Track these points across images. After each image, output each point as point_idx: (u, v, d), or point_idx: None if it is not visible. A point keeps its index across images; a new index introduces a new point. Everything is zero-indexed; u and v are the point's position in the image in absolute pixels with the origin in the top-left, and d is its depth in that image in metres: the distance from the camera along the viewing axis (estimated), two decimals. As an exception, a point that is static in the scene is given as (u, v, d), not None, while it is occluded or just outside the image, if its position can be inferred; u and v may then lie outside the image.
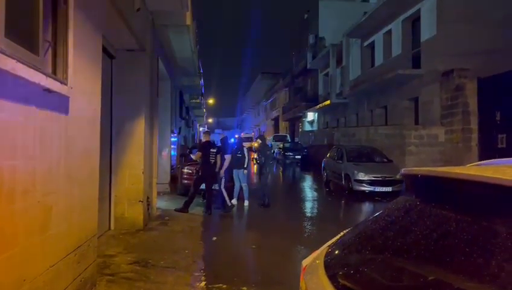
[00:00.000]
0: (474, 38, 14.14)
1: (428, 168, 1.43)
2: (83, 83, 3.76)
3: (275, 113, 51.97)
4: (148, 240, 6.83)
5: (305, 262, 1.55)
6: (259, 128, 65.53)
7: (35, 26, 2.75)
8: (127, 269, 5.12)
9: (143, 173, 7.48)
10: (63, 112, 3.26)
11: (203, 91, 32.78)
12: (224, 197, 9.82)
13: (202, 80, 32.62)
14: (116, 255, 5.77)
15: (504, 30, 13.95)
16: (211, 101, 50.78)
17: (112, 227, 7.40)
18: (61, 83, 3.13)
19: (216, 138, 55.62)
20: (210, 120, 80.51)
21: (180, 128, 17.13)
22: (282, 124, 47.14)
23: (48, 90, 2.90)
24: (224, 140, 10.81)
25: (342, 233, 1.70)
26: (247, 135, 51.08)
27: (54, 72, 3.19)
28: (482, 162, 1.81)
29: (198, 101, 29.05)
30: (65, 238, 3.37)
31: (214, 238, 7.28)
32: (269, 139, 39.48)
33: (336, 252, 1.48)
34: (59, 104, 3.17)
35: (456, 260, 1.08)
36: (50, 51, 3.18)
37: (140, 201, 7.49)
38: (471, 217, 1.11)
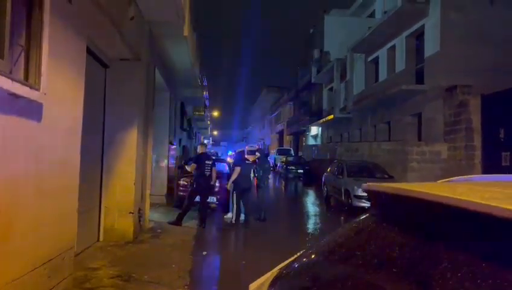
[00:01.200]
0: (477, 55, 14.02)
1: (391, 184, 1.28)
2: (60, 89, 3.65)
3: (279, 127, 51.92)
4: (136, 253, 6.65)
5: (252, 287, 1.40)
6: (264, 142, 65.46)
7: (0, 29, 2.65)
8: (108, 283, 4.95)
9: (134, 184, 7.35)
10: (34, 119, 3.14)
11: (207, 103, 32.82)
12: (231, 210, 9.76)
13: (207, 93, 32.75)
14: (100, 268, 5.60)
15: (508, 48, 13.81)
16: (215, 113, 50.93)
17: (101, 239, 7.24)
18: (32, 88, 3.02)
19: (222, 150, 55.08)
20: (215, 132, 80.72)
21: (180, 140, 17.03)
22: (287, 138, 47.03)
23: (15, 96, 2.78)
24: (240, 154, 10.62)
25: (297, 254, 1.54)
26: (252, 148, 50.90)
27: (26, 77, 3.08)
28: (457, 178, 1.65)
29: (202, 113, 29.04)
30: (32, 251, 3.22)
31: (205, 252, 7.09)
32: (273, 152, 39.37)
33: (284, 276, 1.33)
34: (29, 110, 3.05)
35: (399, 287, 0.92)
36: (23, 56, 3.08)
37: (131, 213, 7.34)
38: (417, 239, 0.96)
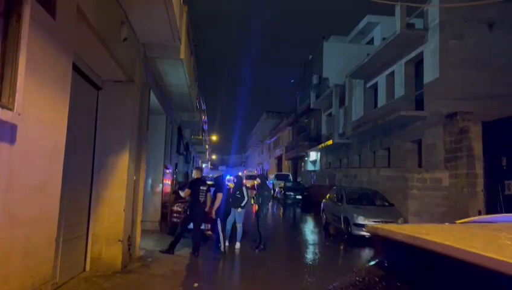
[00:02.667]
0: (478, 82, 13.96)
1: (402, 228, 1.02)
2: (40, 110, 3.41)
3: (278, 152, 51.68)
4: (122, 284, 6.28)
5: None
6: (262, 166, 65.09)
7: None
8: (89, 319, 4.58)
9: (124, 210, 7.03)
10: (6, 141, 2.88)
11: (205, 127, 32.70)
12: (219, 240, 9.32)
13: (205, 117, 32.68)
14: (82, 301, 5.24)
15: (508, 74, 13.75)
16: (214, 137, 50.80)
17: (88, 268, 6.87)
18: (4, 108, 2.78)
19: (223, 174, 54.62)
20: (214, 157, 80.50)
21: (176, 164, 16.74)
22: (285, 163, 46.71)
23: (-17, 116, 2.54)
24: (218, 179, 10.36)
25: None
26: (251, 173, 50.61)
27: (-1, 96, 2.84)
28: (478, 217, 1.39)
29: (200, 137, 28.90)
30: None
31: (196, 284, 6.69)
32: (271, 177, 38.92)
33: None
34: (1, 132, 2.80)
35: None
36: (-4, 73, 2.85)
37: (119, 241, 7.00)
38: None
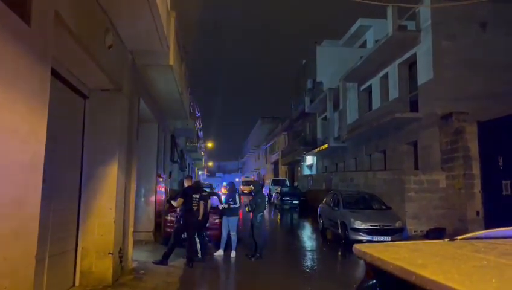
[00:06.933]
0: (472, 82, 13.87)
1: (384, 251, 0.85)
2: (13, 122, 3.24)
3: (274, 157, 51.51)
4: (113, 299, 6.07)
5: None
6: (259, 172, 64.89)
7: None
8: (75, 339, 4.37)
9: (114, 222, 6.83)
10: (-27, 156, 2.70)
11: (200, 135, 32.52)
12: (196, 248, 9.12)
13: (200, 124, 32.50)
14: (69, 319, 5.03)
15: (502, 74, 13.69)
16: (210, 144, 50.58)
17: (77, 283, 6.65)
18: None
19: (217, 181, 54.32)
20: (210, 163, 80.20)
21: (170, 173, 16.53)
22: (282, 168, 46.51)
23: None
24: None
25: None
26: (248, 179, 50.45)
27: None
28: (480, 233, 1.22)
29: (195, 144, 28.72)
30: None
31: (189, 296, 6.51)
32: (268, 182, 38.66)
33: None
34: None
35: None
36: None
37: (110, 253, 6.79)
38: None
